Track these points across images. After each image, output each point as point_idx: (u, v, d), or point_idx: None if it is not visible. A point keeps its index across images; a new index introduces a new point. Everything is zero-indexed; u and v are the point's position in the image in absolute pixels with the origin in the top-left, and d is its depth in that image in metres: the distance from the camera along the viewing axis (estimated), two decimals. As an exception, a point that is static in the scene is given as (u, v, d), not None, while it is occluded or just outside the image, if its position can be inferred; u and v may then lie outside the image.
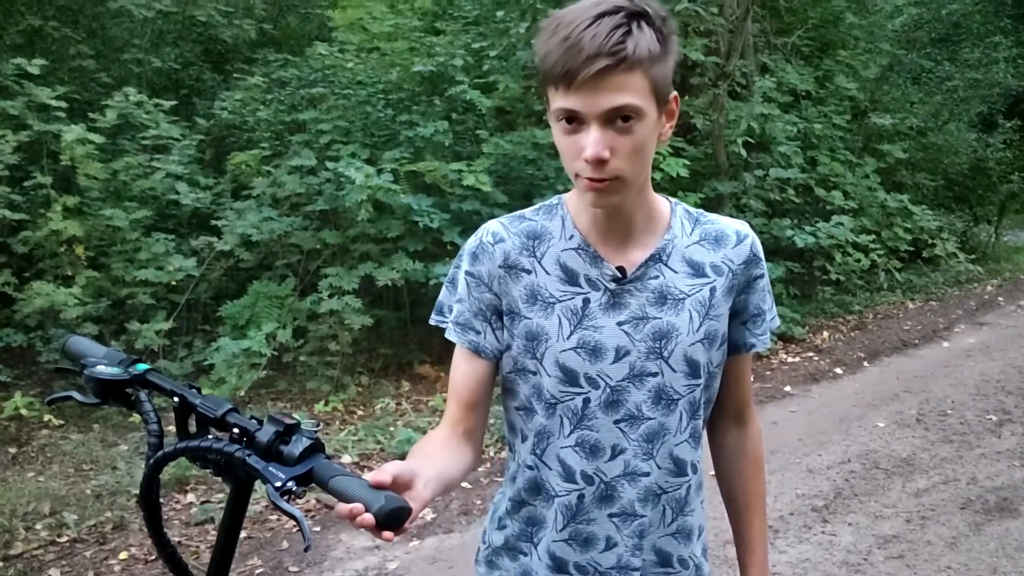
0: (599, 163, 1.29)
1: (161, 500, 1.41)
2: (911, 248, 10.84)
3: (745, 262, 1.51)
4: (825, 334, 8.72)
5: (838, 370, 7.44)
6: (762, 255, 1.54)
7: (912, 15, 12.50)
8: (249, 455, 1.22)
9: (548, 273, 1.48)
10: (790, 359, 7.79)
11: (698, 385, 1.48)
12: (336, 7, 9.27)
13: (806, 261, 9.29)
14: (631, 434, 1.47)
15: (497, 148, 6.90)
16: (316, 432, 1.25)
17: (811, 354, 7.96)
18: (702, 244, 1.50)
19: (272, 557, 4.09)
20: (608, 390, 1.46)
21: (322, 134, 7.08)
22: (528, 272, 1.48)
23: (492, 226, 1.53)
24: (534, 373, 1.49)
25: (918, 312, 9.95)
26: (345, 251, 6.67)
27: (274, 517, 4.42)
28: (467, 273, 1.52)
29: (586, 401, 1.47)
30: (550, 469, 1.52)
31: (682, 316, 1.46)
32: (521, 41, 7.39)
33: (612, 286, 1.45)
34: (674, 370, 1.46)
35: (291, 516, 1.14)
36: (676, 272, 1.47)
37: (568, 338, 1.46)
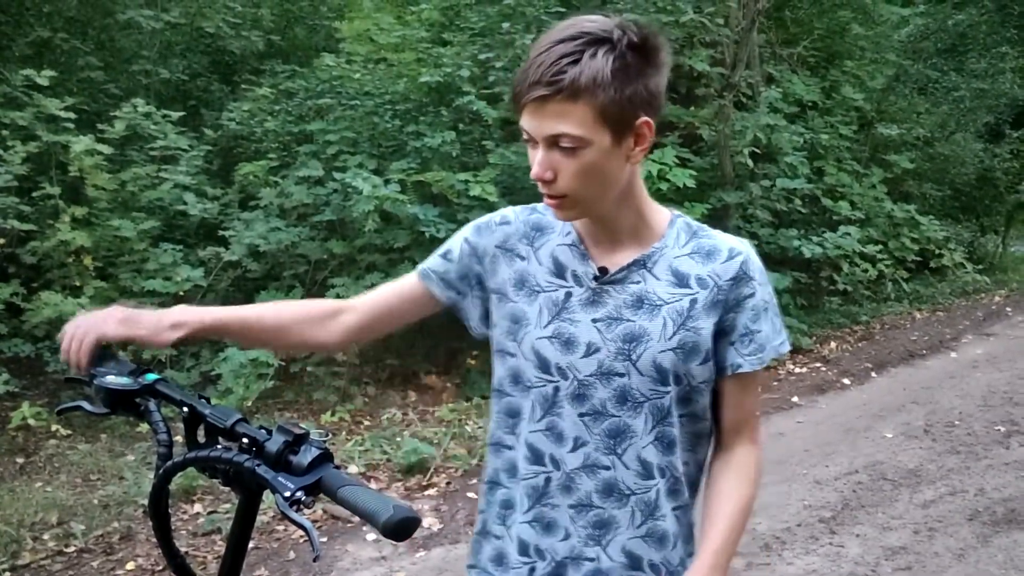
0: (544, 182, 1.38)
1: (168, 511, 1.42)
2: (918, 258, 10.82)
3: (733, 279, 1.48)
4: (832, 344, 8.70)
5: (845, 380, 7.42)
6: (756, 274, 1.50)
7: (918, 26, 12.50)
8: (259, 465, 1.22)
9: (540, 263, 1.55)
10: (797, 369, 7.78)
11: (667, 392, 1.48)
12: (343, 18, 9.29)
13: (813, 271, 9.28)
14: (594, 428, 1.50)
15: (503, 159, 6.91)
16: (325, 442, 1.26)
17: (818, 364, 7.95)
18: (692, 256, 1.51)
19: (279, 567, 4.09)
20: (576, 383, 1.50)
21: (329, 144, 7.09)
22: (523, 259, 1.57)
23: (505, 210, 1.64)
24: (512, 355, 1.55)
25: (925, 322, 9.94)
26: (352, 261, 6.68)
27: (281, 527, 4.42)
28: (466, 240, 1.62)
29: (556, 390, 1.51)
30: (518, 451, 1.56)
31: (656, 322, 1.47)
32: (526, 53, 7.39)
33: (593, 284, 1.50)
34: (641, 374, 1.47)
35: (300, 526, 1.15)
36: (659, 280, 1.49)
37: (545, 327, 1.52)
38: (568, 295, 1.51)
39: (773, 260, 8.62)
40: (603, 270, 1.50)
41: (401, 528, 1.11)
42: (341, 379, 6.35)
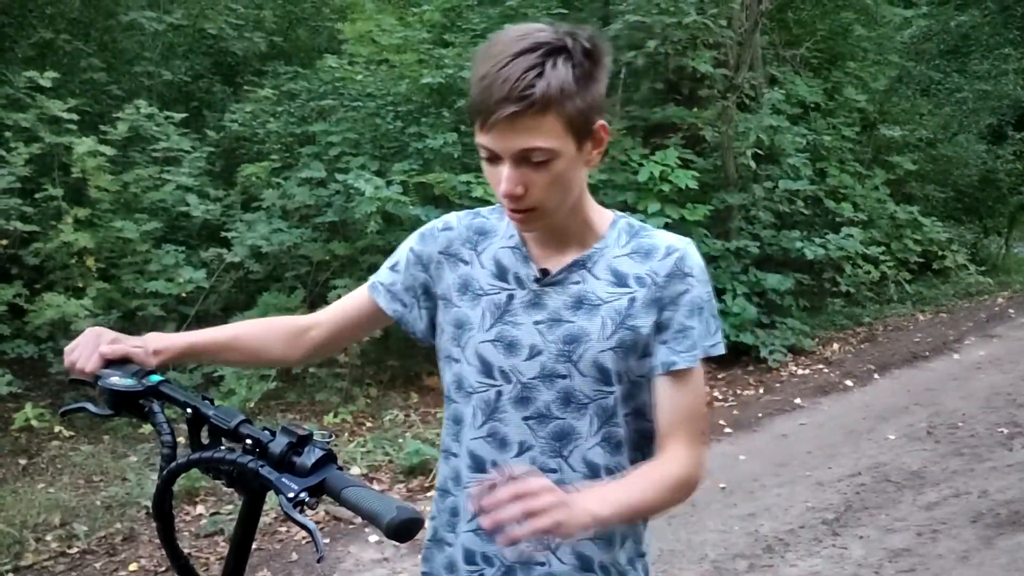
0: (514, 198, 1.37)
1: (173, 511, 1.41)
2: (921, 260, 10.81)
3: (668, 275, 1.47)
4: (835, 346, 8.70)
5: (848, 382, 7.41)
6: (694, 271, 1.48)
7: (921, 27, 12.50)
8: (262, 466, 1.22)
9: (483, 267, 1.56)
10: (800, 371, 7.78)
11: (611, 392, 1.48)
12: (346, 20, 9.29)
13: (815, 273, 9.27)
14: (539, 432, 1.50)
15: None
16: (328, 443, 1.25)
17: (821, 366, 7.94)
18: (632, 256, 1.50)
19: (282, 569, 4.09)
20: (519, 386, 1.50)
21: (332, 146, 7.10)
22: (466, 263, 1.57)
23: (448, 216, 1.66)
24: (457, 361, 1.56)
25: (928, 324, 9.93)
26: (354, 262, 6.68)
27: (284, 529, 4.42)
28: (411, 249, 1.65)
29: (498, 394, 1.51)
30: (462, 459, 1.57)
31: (595, 322, 1.47)
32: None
33: (534, 286, 1.50)
34: (583, 375, 1.47)
35: (304, 527, 1.15)
36: (598, 279, 1.49)
37: (488, 330, 1.52)
38: (510, 298, 1.52)
39: (775, 262, 8.62)
40: (544, 272, 1.51)
41: (404, 529, 1.10)
42: (343, 380, 6.35)
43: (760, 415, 6.50)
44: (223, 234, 6.55)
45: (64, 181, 6.13)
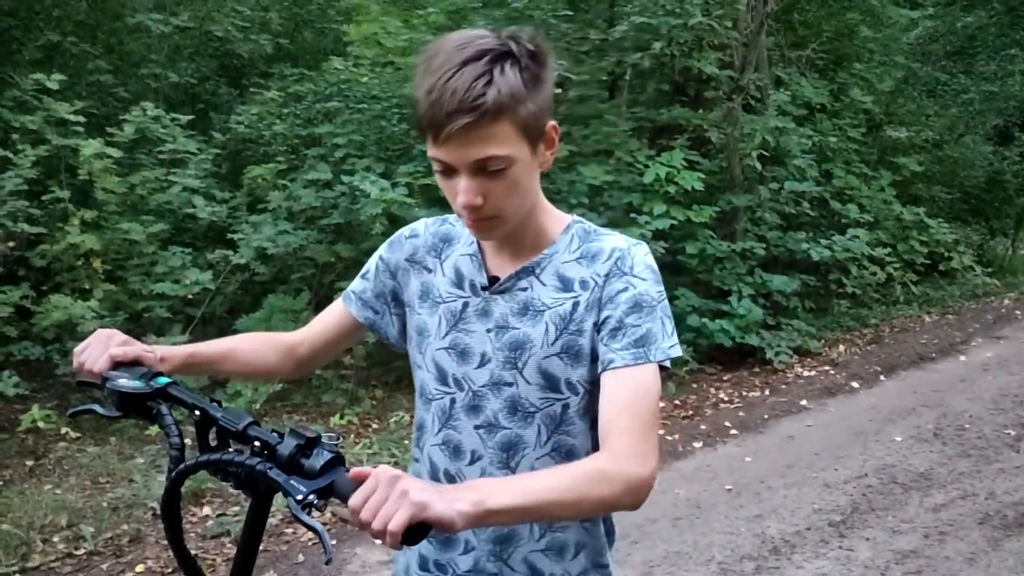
0: (474, 208, 1.35)
1: (180, 513, 1.42)
2: (927, 261, 10.79)
3: (607, 274, 1.45)
4: (841, 348, 8.68)
5: (854, 384, 7.40)
6: (635, 269, 1.45)
7: (927, 28, 12.46)
8: (270, 468, 1.22)
9: (444, 275, 1.56)
10: (806, 373, 7.76)
11: (558, 399, 1.47)
12: (351, 22, 9.30)
13: (822, 274, 9.25)
14: (488, 441, 1.49)
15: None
16: (337, 446, 1.25)
17: (827, 368, 7.92)
18: (579, 261, 1.48)
19: (288, 571, 4.09)
20: (471, 394, 1.50)
21: (337, 148, 7.11)
22: (430, 271, 1.58)
23: (416, 223, 1.65)
24: (420, 367, 1.58)
25: (935, 326, 9.90)
26: (359, 264, 6.62)
27: (290, 530, 4.42)
28: (380, 257, 1.66)
29: (452, 402, 1.52)
30: (423, 465, 1.58)
31: (538, 328, 1.46)
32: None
33: (484, 294, 1.50)
34: (528, 382, 1.46)
35: (312, 529, 1.15)
36: (545, 285, 1.48)
37: (443, 337, 1.53)
38: (465, 305, 1.52)
39: (781, 263, 8.61)
40: (494, 279, 1.50)
41: (412, 532, 1.10)
42: (349, 382, 6.36)
43: (766, 416, 6.49)
44: (229, 236, 6.56)
45: (71, 183, 6.15)
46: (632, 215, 7.34)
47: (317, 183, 6.77)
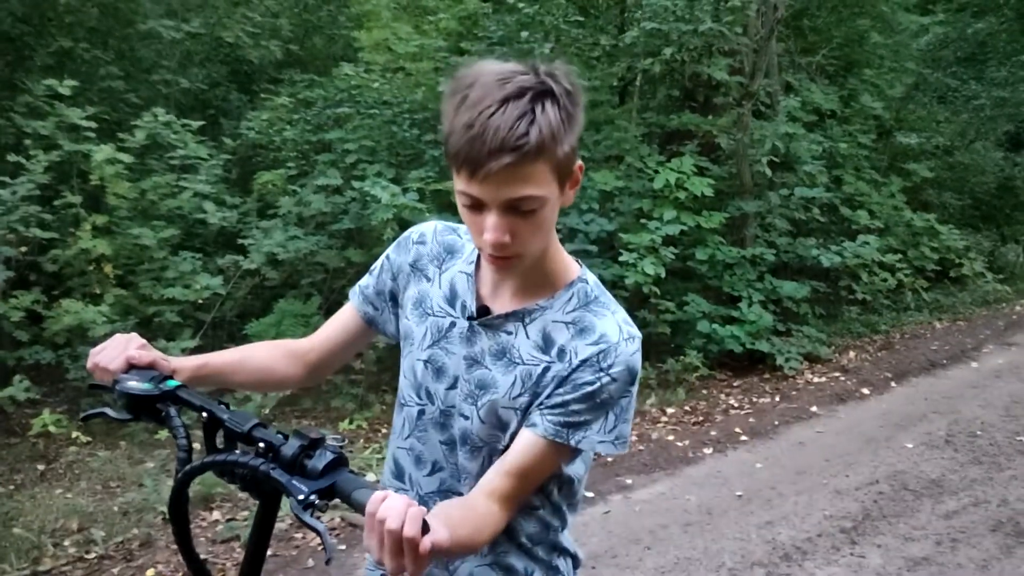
0: (501, 246, 1.33)
1: (188, 515, 1.42)
2: (938, 268, 10.75)
3: (583, 360, 1.41)
4: (851, 354, 8.65)
5: (865, 390, 7.37)
6: (612, 369, 1.40)
7: (937, 34, 12.45)
8: (273, 468, 1.23)
9: (440, 287, 1.56)
10: (816, 379, 7.74)
11: (504, 443, 1.47)
12: (362, 28, 9.33)
13: (832, 281, 9.24)
14: (450, 458, 1.52)
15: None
16: (340, 447, 1.26)
17: (837, 374, 7.90)
18: (568, 326, 1.45)
19: (298, 575, 4.09)
20: (439, 411, 1.53)
21: (348, 153, 7.12)
22: (429, 280, 1.58)
23: (426, 227, 1.64)
24: (401, 371, 1.61)
25: (945, 332, 9.86)
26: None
27: (299, 535, 4.42)
28: (387, 256, 1.66)
29: (421, 412, 1.55)
30: (387, 462, 1.62)
31: (507, 378, 1.45)
32: (544, 62, 7.39)
33: (472, 322, 1.50)
34: (482, 421, 1.47)
35: (313, 529, 1.16)
36: (528, 338, 1.46)
37: (424, 349, 1.54)
38: (452, 325, 1.52)
39: (791, 269, 8.60)
40: (485, 310, 1.49)
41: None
42: (359, 387, 6.36)
43: (777, 423, 6.47)
44: (239, 241, 6.57)
45: (82, 188, 6.17)
46: (642, 220, 7.34)
47: (327, 188, 6.79)
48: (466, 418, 1.48)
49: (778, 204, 8.55)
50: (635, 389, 1.46)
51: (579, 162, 1.38)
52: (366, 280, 1.69)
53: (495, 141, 1.23)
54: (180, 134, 6.68)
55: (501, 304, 1.49)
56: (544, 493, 1.53)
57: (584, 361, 1.41)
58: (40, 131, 5.99)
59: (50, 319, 5.64)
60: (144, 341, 1.53)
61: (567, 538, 1.61)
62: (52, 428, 5.37)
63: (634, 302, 7.27)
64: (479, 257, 1.52)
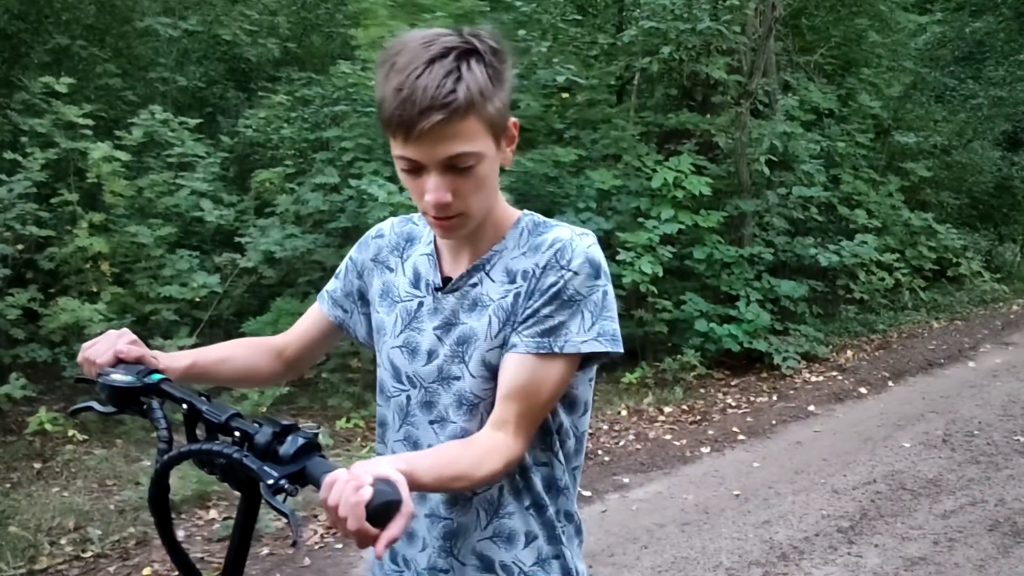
0: (443, 206, 1.36)
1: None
2: (935, 267, 10.77)
3: (544, 265, 1.43)
4: (849, 353, 8.66)
5: (862, 390, 7.37)
6: (571, 263, 1.42)
7: (935, 33, 12.46)
8: (246, 455, 1.25)
9: (404, 275, 1.59)
10: (813, 378, 7.74)
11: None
12: (359, 26, 9.31)
13: (829, 280, 9.24)
14: (441, 436, 1.50)
15: (518, 166, 6.91)
16: (315, 434, 1.27)
17: (835, 373, 7.90)
18: (525, 253, 1.48)
19: (294, 574, 4.08)
20: (423, 391, 1.52)
21: (345, 152, 7.11)
22: (392, 271, 1.61)
23: (383, 223, 1.69)
24: (379, 365, 1.60)
25: (943, 331, 9.87)
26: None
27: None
28: (350, 257, 1.69)
29: (408, 399, 1.54)
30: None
31: (482, 321, 1.47)
32: (541, 60, 7.41)
33: (438, 294, 1.52)
34: (473, 375, 1.47)
35: (282, 513, 1.18)
36: (494, 281, 1.48)
37: (397, 336, 1.55)
38: (420, 305, 1.54)
39: (789, 268, 8.59)
40: (447, 280, 1.52)
41: (382, 512, 1.11)
42: (355, 385, 6.35)
43: (774, 422, 6.47)
44: (237, 239, 6.57)
45: (79, 186, 6.17)
46: (640, 219, 7.33)
47: (325, 187, 6.77)
48: (458, 378, 1.48)
49: (776, 203, 8.55)
50: (605, 284, 1.45)
51: (513, 119, 1.42)
52: (333, 284, 1.71)
53: (424, 100, 1.27)
54: (177, 132, 6.68)
55: (462, 269, 1.51)
56: (548, 445, 1.52)
57: (544, 267, 1.44)
58: (37, 129, 5.99)
59: (47, 317, 5.64)
60: (134, 337, 1.54)
61: (573, 504, 1.60)
62: (48, 426, 5.35)
63: (631, 301, 7.27)
64: (435, 240, 1.56)
